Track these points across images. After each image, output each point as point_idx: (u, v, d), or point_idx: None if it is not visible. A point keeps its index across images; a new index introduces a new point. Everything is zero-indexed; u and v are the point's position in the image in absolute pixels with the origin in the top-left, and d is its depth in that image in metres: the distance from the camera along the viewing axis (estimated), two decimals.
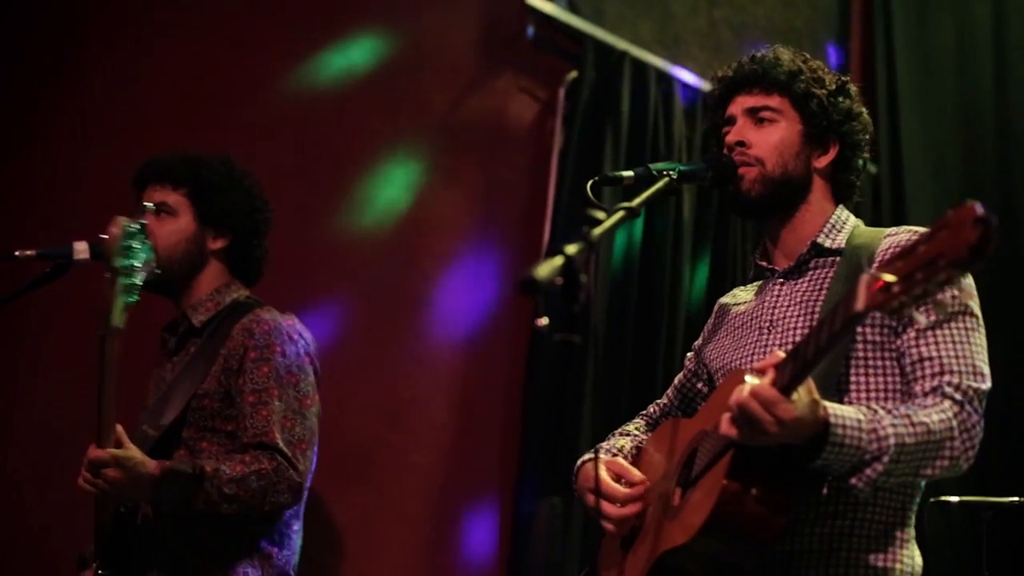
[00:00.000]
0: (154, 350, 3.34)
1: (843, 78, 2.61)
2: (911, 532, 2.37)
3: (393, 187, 4.74)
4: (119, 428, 2.83)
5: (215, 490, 2.85)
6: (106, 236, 2.83)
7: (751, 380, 2.05)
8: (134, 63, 4.36)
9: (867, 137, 2.60)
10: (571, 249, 1.68)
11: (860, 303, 1.88)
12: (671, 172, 2.45)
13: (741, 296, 2.75)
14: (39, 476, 4.04)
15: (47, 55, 4.34)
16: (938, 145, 5.46)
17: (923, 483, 2.37)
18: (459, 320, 4.82)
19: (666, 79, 5.27)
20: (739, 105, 2.59)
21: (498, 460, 4.77)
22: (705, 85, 5.38)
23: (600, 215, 1.83)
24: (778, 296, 2.54)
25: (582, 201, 4.89)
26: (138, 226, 2.82)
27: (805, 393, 2.06)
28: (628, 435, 2.78)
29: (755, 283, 2.73)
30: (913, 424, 2.16)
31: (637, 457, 2.66)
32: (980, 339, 2.32)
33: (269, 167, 3.72)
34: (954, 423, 2.20)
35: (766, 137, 2.53)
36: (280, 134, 4.50)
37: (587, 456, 2.66)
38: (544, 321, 1.74)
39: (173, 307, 3.27)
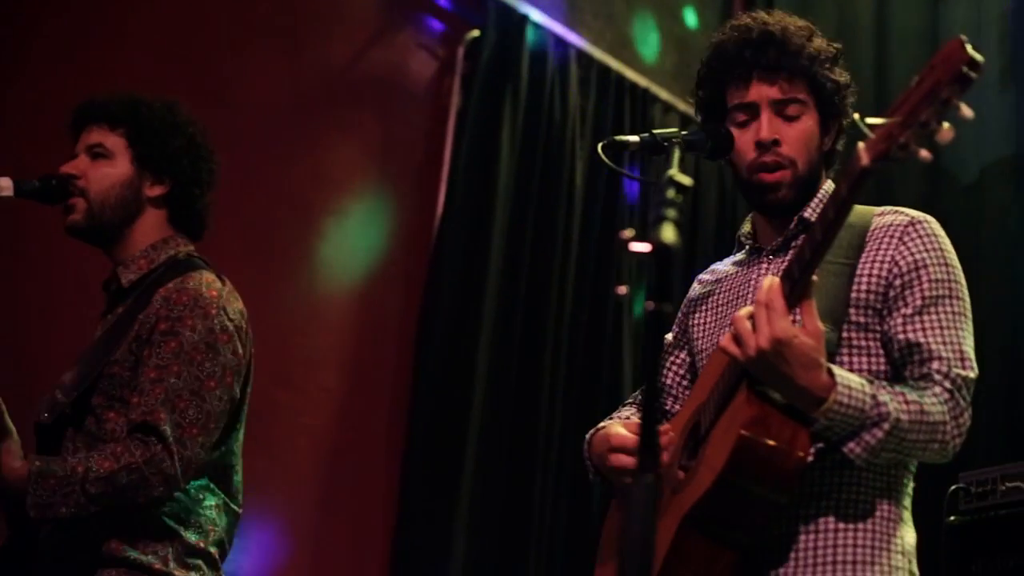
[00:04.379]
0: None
1: (835, 45, 2.51)
2: (903, 513, 2.35)
3: (289, 136, 4.58)
4: None
5: (81, 492, 2.65)
6: None
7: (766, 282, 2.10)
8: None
9: (851, 103, 2.53)
10: (671, 213, 1.63)
11: (865, 158, 1.93)
12: (677, 140, 2.38)
13: (721, 271, 2.68)
14: None
15: None
16: None
17: (913, 465, 2.37)
18: (352, 278, 4.71)
19: (563, 45, 5.25)
20: (763, 95, 2.45)
21: (388, 423, 4.69)
22: (598, 54, 5.39)
23: (684, 179, 1.77)
24: (765, 274, 2.47)
25: (479, 162, 4.89)
26: None
27: (811, 334, 2.10)
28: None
29: (733, 258, 2.68)
30: (908, 402, 2.18)
31: None
32: (967, 324, 2.33)
33: None
34: (945, 408, 2.22)
35: (796, 134, 2.44)
36: (175, 77, 4.27)
37: (595, 428, 2.56)
38: (624, 289, 1.68)
39: (108, 261, 3.05)
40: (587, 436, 2.57)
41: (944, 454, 2.26)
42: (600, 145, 2.37)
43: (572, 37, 5.27)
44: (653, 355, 1.62)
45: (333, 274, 4.66)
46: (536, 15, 5.11)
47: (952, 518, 3.78)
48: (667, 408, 2.71)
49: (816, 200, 2.48)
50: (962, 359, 2.28)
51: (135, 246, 2.99)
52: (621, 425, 2.43)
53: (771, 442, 2.10)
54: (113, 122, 2.99)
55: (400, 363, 4.74)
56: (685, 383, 2.69)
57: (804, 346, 2.08)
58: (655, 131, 2.40)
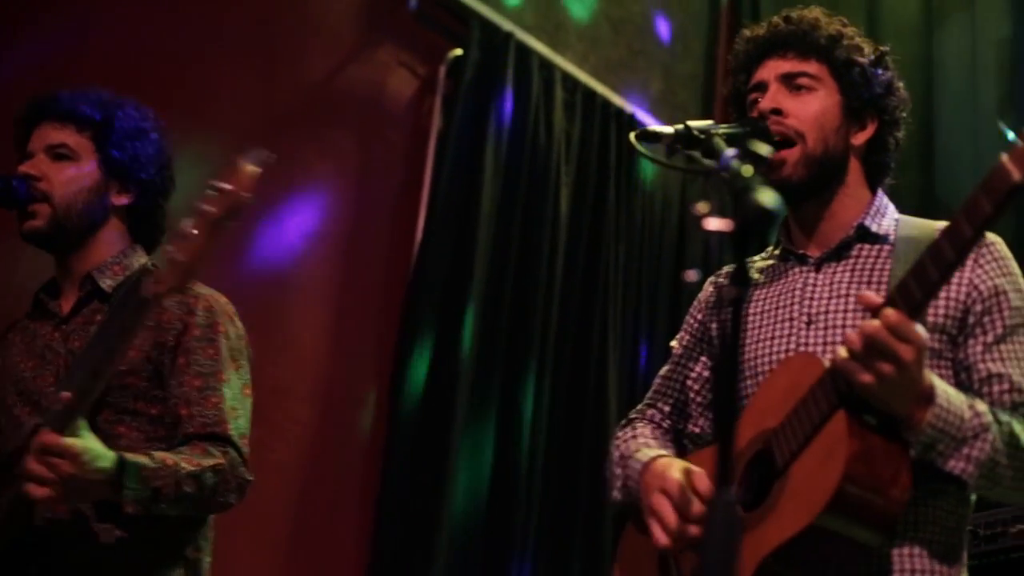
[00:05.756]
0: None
1: (881, 48, 2.41)
2: (965, 556, 2.19)
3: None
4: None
5: (174, 488, 2.40)
6: None
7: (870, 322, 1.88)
8: None
9: (904, 115, 2.40)
10: (758, 179, 1.39)
11: (1016, 172, 1.75)
12: (715, 132, 2.16)
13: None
14: None
15: None
16: None
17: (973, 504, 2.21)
18: (325, 305, 4.44)
19: (547, 67, 5.04)
20: (772, 70, 2.34)
21: (362, 457, 4.41)
22: (584, 77, 5.20)
23: (761, 148, 1.54)
24: (814, 286, 2.28)
25: (461, 186, 4.65)
26: None
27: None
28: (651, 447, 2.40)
29: (757, 263, 2.45)
30: (999, 421, 2.03)
31: None
32: None
33: None
34: None
35: (804, 107, 2.29)
36: (143, 90, 4.01)
37: (657, 452, 2.31)
38: (694, 275, 1.45)
39: (55, 266, 2.78)
40: (636, 457, 2.32)
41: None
42: (632, 135, 2.18)
43: (556, 59, 5.07)
44: (731, 360, 1.37)
45: (306, 300, 4.39)
46: (520, 34, 4.90)
47: None
48: (684, 429, 2.47)
49: (874, 209, 2.32)
50: None
51: (99, 254, 2.76)
52: (681, 471, 2.18)
53: (875, 481, 1.91)
54: (80, 122, 2.75)
55: (377, 394, 4.47)
56: (702, 399, 2.46)
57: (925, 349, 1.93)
58: (690, 123, 2.20)
